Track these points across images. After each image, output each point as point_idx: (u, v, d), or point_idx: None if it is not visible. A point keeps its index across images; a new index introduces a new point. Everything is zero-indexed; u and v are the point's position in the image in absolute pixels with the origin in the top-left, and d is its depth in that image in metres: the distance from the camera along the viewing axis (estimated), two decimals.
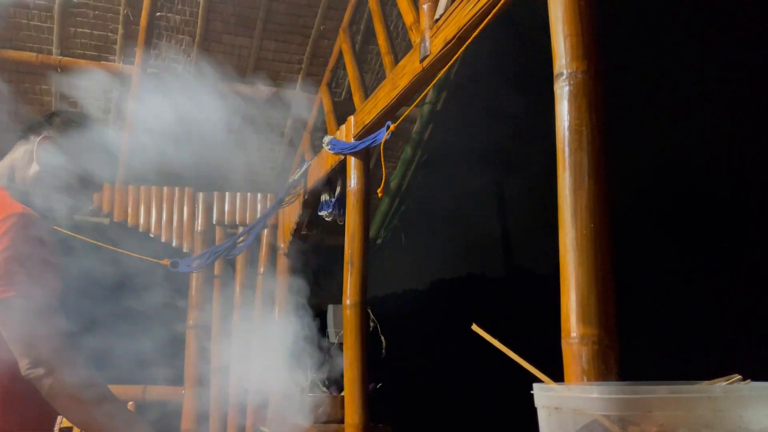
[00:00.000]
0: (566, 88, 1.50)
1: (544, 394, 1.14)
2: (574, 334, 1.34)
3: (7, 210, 1.35)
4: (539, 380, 1.21)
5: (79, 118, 1.57)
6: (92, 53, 3.85)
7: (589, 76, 1.50)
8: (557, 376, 1.23)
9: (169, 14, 3.78)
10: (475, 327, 1.29)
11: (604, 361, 1.30)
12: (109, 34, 3.79)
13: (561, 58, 1.53)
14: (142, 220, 4.13)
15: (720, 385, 1.02)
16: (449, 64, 2.27)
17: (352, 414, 2.71)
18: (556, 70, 1.54)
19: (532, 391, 1.19)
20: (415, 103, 2.59)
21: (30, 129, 1.53)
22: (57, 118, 1.54)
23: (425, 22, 2.37)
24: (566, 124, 1.47)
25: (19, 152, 1.51)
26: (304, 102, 4.35)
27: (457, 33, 2.10)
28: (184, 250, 4.16)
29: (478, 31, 2.02)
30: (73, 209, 1.57)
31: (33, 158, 1.48)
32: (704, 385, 1.05)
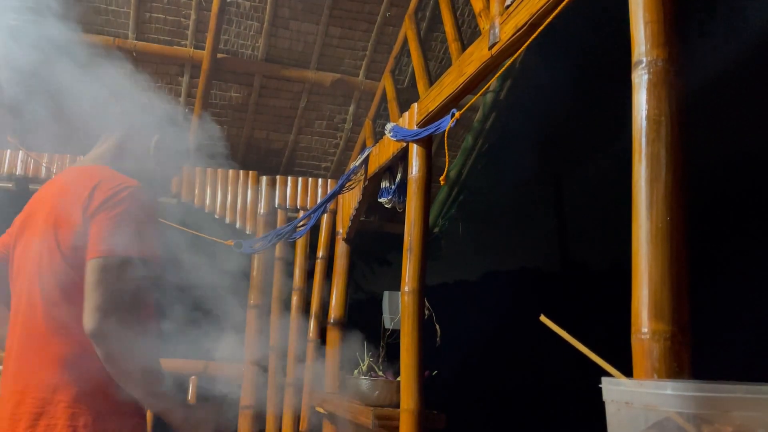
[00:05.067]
0: (645, 77, 1.45)
1: (614, 388, 1.13)
2: (645, 330, 1.31)
3: (125, 181, 1.52)
4: (601, 374, 1.19)
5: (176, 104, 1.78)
6: (165, 38, 3.97)
7: (670, 64, 1.45)
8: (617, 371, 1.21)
9: (240, 0, 3.86)
10: (543, 318, 1.28)
11: (676, 358, 1.27)
12: (182, 19, 3.91)
13: (640, 46, 1.49)
14: (208, 201, 4.26)
15: None
16: (519, 52, 2.24)
17: (408, 399, 2.73)
18: (635, 58, 1.50)
19: (600, 385, 1.18)
20: (482, 91, 2.57)
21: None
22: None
23: (495, 8, 2.34)
24: (644, 114, 1.43)
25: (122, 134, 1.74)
26: (367, 88, 4.37)
27: (529, 19, 2.07)
28: (247, 232, 4.27)
29: (551, 17, 1.98)
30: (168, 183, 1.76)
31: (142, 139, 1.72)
32: None
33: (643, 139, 1.41)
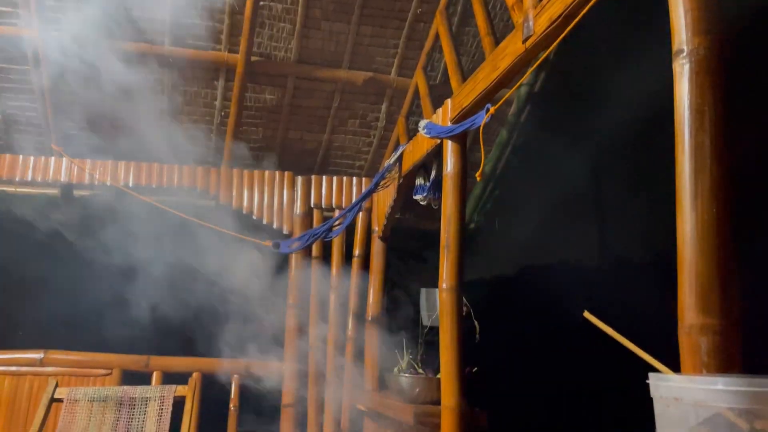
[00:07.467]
0: (687, 66, 1.42)
1: (662, 384, 1.11)
2: (692, 324, 1.28)
3: None
4: (648, 369, 1.17)
5: None
6: (200, 43, 4.04)
7: (712, 52, 1.42)
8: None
9: (272, 3, 3.90)
10: (587, 314, 1.26)
11: (726, 352, 1.24)
12: (216, 24, 3.97)
13: (681, 34, 1.45)
14: (245, 203, 4.33)
15: None
16: (554, 44, 2.21)
17: (449, 396, 2.72)
18: (676, 46, 1.46)
19: (647, 380, 1.16)
20: (516, 85, 2.54)
21: None
22: None
23: (529, 1, 2.31)
24: (686, 103, 1.40)
25: None
26: (400, 86, 4.37)
27: (563, 11, 2.04)
28: (285, 232, 4.32)
29: (587, 8, 1.95)
30: None
31: None
32: None
33: (686, 130, 1.38)
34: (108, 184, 4.20)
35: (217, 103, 4.29)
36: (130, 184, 4.22)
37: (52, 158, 4.24)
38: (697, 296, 1.28)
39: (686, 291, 1.31)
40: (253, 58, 4.06)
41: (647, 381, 1.15)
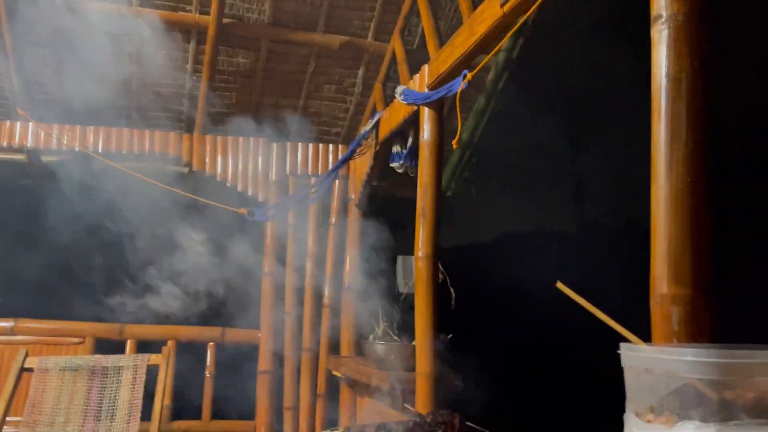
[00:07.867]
0: (665, 32, 1.39)
1: (633, 354, 1.11)
2: (664, 293, 1.28)
3: None
4: (619, 339, 1.17)
5: None
6: (170, 4, 3.91)
7: (691, 18, 1.39)
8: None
9: None
10: (559, 285, 1.26)
11: (696, 323, 1.24)
12: None
13: None
14: (219, 170, 4.25)
15: None
16: (532, 9, 2.16)
17: (423, 363, 2.74)
18: (654, 12, 1.43)
19: (618, 351, 1.16)
20: (494, 51, 2.50)
21: None
22: None
23: None
24: (664, 71, 1.37)
25: None
26: (377, 51, 4.29)
27: None
28: (260, 200, 4.26)
29: None
30: None
31: None
32: None
33: (663, 98, 1.36)
34: (77, 149, 4.09)
35: (189, 66, 4.17)
36: (100, 150, 4.11)
37: (18, 123, 4.10)
38: (669, 266, 1.28)
39: (658, 260, 1.30)
40: (225, 20, 3.94)
41: (618, 351, 1.15)
